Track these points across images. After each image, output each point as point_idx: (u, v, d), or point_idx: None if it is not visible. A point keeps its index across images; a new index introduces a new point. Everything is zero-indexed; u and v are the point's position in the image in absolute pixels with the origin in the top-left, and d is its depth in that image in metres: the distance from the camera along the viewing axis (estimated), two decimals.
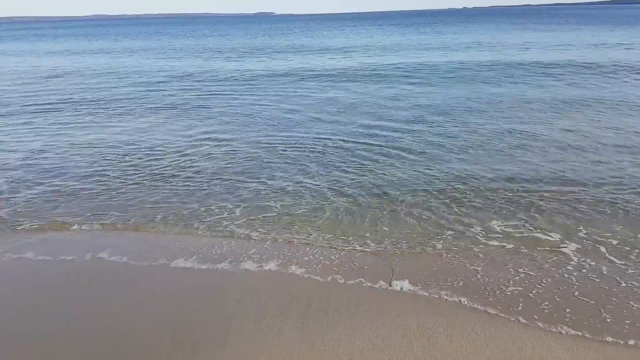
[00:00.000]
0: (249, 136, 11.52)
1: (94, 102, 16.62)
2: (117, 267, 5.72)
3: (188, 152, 10.35)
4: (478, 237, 6.20)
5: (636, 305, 4.68)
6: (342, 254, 5.87)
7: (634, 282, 5.09)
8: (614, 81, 17.31)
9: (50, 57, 36.32)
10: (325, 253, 5.90)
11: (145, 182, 8.55)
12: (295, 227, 6.64)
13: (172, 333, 4.42)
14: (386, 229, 6.51)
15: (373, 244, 6.09)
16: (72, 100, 17.13)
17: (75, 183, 8.56)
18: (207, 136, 11.64)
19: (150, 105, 15.72)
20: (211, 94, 17.65)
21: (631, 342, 4.17)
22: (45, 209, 7.48)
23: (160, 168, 9.30)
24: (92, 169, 9.31)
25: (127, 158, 10.00)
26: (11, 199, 7.92)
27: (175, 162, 9.63)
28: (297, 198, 7.66)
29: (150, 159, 9.86)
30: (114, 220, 7.01)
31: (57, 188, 8.35)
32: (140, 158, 9.98)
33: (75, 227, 6.86)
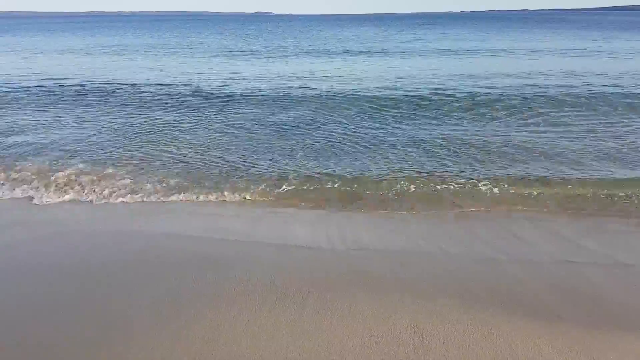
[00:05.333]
0: None
1: None
2: (109, 262, 5.71)
3: None
4: (472, 235, 6.24)
5: (633, 301, 4.73)
6: (339, 253, 5.89)
7: (631, 278, 5.15)
8: None
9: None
10: (321, 254, 5.91)
11: None
12: (293, 226, 6.66)
13: (165, 331, 4.41)
14: (384, 230, 6.53)
15: (372, 244, 6.11)
16: None
17: None
18: None
19: None
20: None
21: (624, 343, 4.20)
22: None
23: None
24: None
25: None
26: None
27: None
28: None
29: None
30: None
31: None
32: None
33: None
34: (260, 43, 41.14)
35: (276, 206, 7.52)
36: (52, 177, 8.43)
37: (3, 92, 17.00)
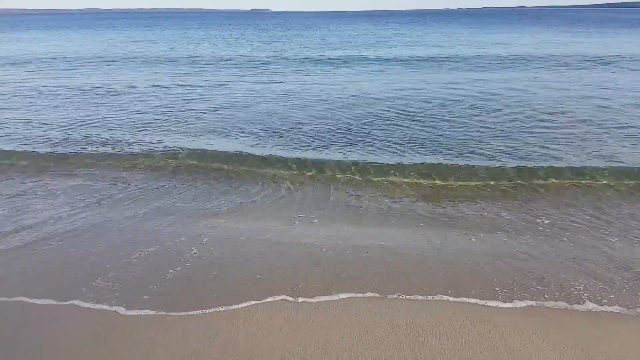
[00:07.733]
0: None
1: None
2: None
3: None
4: (466, 229, 6.25)
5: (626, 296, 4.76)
6: (336, 251, 5.89)
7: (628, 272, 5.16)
8: None
9: None
10: (318, 251, 5.91)
11: None
12: (292, 223, 6.65)
13: (162, 329, 4.40)
14: (377, 227, 6.53)
15: (367, 242, 6.11)
16: None
17: None
18: None
19: None
20: None
21: (619, 338, 4.22)
22: None
23: None
24: None
25: None
26: None
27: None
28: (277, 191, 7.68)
29: None
30: None
31: None
32: None
33: None
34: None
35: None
36: None
37: None
